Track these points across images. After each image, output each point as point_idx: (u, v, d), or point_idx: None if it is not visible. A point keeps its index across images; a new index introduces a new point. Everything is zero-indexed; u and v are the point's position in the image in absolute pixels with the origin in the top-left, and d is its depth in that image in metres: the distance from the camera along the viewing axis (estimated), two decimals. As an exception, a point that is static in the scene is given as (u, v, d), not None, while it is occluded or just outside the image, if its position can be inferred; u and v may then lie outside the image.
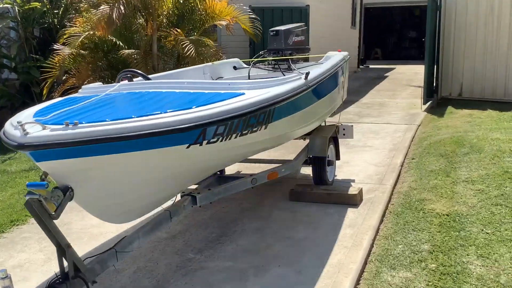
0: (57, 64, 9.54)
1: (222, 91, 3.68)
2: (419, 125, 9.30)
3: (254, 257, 4.27)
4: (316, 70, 4.76)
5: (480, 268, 3.88)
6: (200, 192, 4.35)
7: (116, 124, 2.86)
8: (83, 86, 4.30)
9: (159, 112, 3.12)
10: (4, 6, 11.76)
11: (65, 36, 9.21)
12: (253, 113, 3.47)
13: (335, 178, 6.18)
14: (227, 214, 5.28)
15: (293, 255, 4.27)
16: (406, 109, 11.37)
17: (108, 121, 2.92)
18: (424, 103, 11.26)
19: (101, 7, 8.70)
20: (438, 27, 11.59)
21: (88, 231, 5.02)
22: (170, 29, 9.55)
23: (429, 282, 3.75)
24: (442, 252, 4.19)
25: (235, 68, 6.68)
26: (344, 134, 6.40)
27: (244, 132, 3.54)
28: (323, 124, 6.32)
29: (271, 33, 6.54)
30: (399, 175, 6.36)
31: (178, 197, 4.29)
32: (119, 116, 3.01)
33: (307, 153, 5.51)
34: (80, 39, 8.97)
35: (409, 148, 7.64)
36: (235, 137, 3.49)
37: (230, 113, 3.27)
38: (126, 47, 9.53)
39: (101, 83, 4.63)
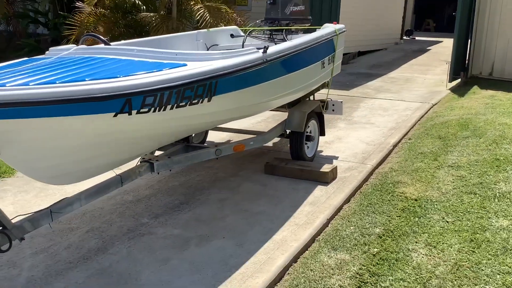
0: (78, 22, 9.78)
1: (165, 61, 3.68)
2: (435, 104, 8.97)
3: (204, 227, 4.33)
4: (285, 44, 4.67)
5: (422, 257, 3.79)
6: (158, 160, 4.42)
7: (34, 89, 2.92)
8: (50, 48, 4.38)
9: (88, 79, 3.17)
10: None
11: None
12: (187, 85, 3.46)
13: (319, 154, 6.11)
14: (199, 182, 5.35)
15: (242, 228, 4.30)
16: (431, 86, 10.98)
17: (30, 85, 2.99)
18: (450, 81, 10.81)
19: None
20: (473, 0, 11.00)
21: (63, 188, 5.19)
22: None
23: (363, 266, 3.70)
24: (391, 237, 4.11)
25: (232, 36, 6.61)
26: (333, 110, 6.26)
27: (181, 104, 3.54)
28: (311, 98, 6.24)
29: (269, 2, 6.42)
30: (387, 155, 6.21)
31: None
32: (46, 81, 3.08)
33: (283, 127, 5.46)
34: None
35: (412, 128, 7.42)
36: (171, 109, 3.50)
37: (157, 84, 3.28)
38: (144, 8, 9.61)
39: (74, 45, 4.67)
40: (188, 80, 3.45)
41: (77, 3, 9.90)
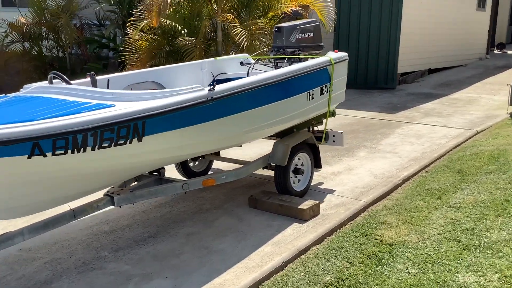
0: (128, 48, 10.25)
1: (96, 101, 3.73)
2: (480, 132, 8.24)
3: (155, 264, 4.30)
4: (245, 79, 4.54)
5: (357, 314, 3.48)
6: (120, 193, 4.48)
7: None
8: (25, 85, 4.59)
9: (2, 123, 3.31)
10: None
11: (128, 24, 9.84)
12: (103, 127, 3.47)
13: (317, 186, 5.86)
14: (179, 214, 5.33)
15: (190, 268, 4.20)
16: (492, 109, 10.14)
17: None
18: (512, 104, 9.88)
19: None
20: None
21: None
22: (226, 14, 9.64)
23: (288, 320, 3.47)
24: (338, 288, 3.82)
25: (242, 63, 6.56)
26: (334, 141, 5.97)
27: (104, 145, 3.56)
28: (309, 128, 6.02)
29: (275, 29, 6.33)
30: (391, 191, 5.78)
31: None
32: None
33: (267, 160, 5.30)
34: (141, 26, 9.53)
35: (437, 159, 6.85)
36: (93, 150, 3.53)
37: (65, 128, 3.33)
38: (184, 33, 9.83)
39: (46, 82, 4.73)
40: (102, 123, 3.46)
41: (127, 29, 10.38)
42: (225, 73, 6.50)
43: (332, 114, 6.26)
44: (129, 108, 3.63)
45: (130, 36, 10.21)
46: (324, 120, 6.11)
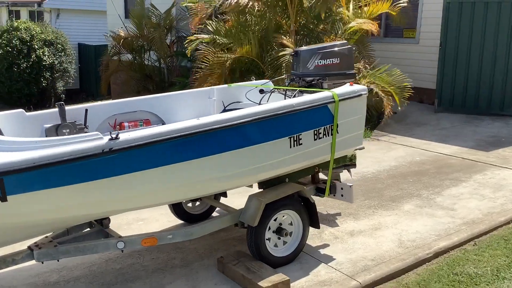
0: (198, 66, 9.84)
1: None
2: None
3: (56, 339, 3.61)
4: (166, 126, 3.61)
5: None
6: (42, 247, 3.89)
7: None
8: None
9: None
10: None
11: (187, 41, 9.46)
12: None
13: (316, 250, 4.71)
14: (138, 270, 4.55)
15: None
16: None
17: None
18: None
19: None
20: None
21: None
22: (278, 35, 8.79)
23: None
24: None
25: (261, 91, 5.62)
26: (342, 195, 4.75)
27: None
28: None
29: (292, 54, 5.35)
30: (410, 269, 4.40)
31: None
32: None
33: (238, 215, 4.32)
34: (195, 44, 9.06)
35: (505, 224, 5.20)
36: None
37: None
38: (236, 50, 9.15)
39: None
40: None
41: (199, 46, 9.95)
42: (240, 101, 5.63)
43: (351, 160, 5.04)
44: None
45: (200, 51, 9.78)
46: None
